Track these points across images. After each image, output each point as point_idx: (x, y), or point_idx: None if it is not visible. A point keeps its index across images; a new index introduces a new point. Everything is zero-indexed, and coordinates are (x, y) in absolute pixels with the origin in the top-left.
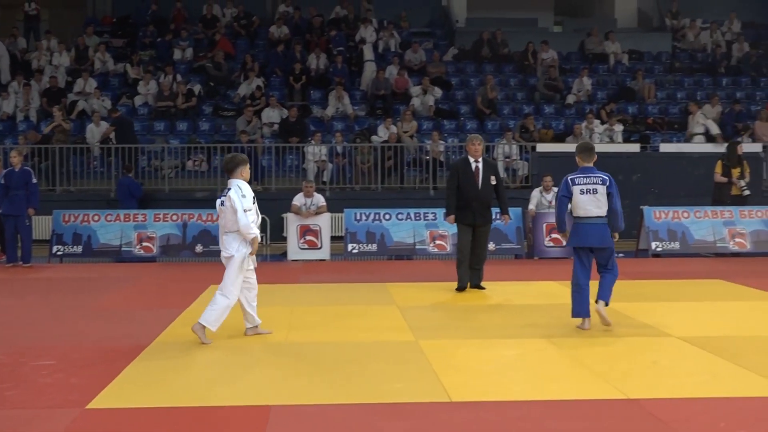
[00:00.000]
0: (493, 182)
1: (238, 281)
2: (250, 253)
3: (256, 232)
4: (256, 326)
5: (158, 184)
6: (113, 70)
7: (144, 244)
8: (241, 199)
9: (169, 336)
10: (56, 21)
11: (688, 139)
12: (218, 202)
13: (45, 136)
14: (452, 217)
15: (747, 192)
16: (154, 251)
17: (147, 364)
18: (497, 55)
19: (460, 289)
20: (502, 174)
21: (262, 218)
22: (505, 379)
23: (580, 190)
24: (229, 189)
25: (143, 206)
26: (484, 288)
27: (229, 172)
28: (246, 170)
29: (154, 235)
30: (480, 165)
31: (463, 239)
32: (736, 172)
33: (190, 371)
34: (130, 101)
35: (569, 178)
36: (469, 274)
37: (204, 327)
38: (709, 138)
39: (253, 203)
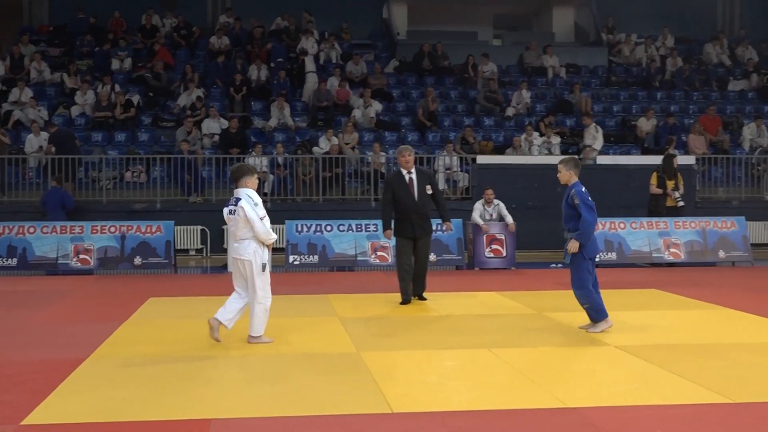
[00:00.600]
0: (429, 192)
1: (267, 284)
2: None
3: (274, 236)
4: (221, 325)
5: (96, 195)
6: (50, 79)
7: (81, 256)
8: (254, 208)
9: (107, 350)
10: None
11: (580, 150)
12: (226, 210)
13: None
14: (389, 232)
15: (682, 203)
16: (92, 264)
17: (84, 378)
18: (438, 68)
19: (405, 302)
20: (442, 185)
21: (202, 229)
22: (446, 390)
23: None
24: (239, 199)
25: (74, 218)
26: (425, 299)
27: (235, 180)
28: (252, 180)
29: (92, 248)
30: (414, 176)
31: (404, 253)
32: (671, 183)
33: (129, 385)
34: (67, 111)
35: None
36: (413, 284)
37: (260, 335)
38: (645, 150)
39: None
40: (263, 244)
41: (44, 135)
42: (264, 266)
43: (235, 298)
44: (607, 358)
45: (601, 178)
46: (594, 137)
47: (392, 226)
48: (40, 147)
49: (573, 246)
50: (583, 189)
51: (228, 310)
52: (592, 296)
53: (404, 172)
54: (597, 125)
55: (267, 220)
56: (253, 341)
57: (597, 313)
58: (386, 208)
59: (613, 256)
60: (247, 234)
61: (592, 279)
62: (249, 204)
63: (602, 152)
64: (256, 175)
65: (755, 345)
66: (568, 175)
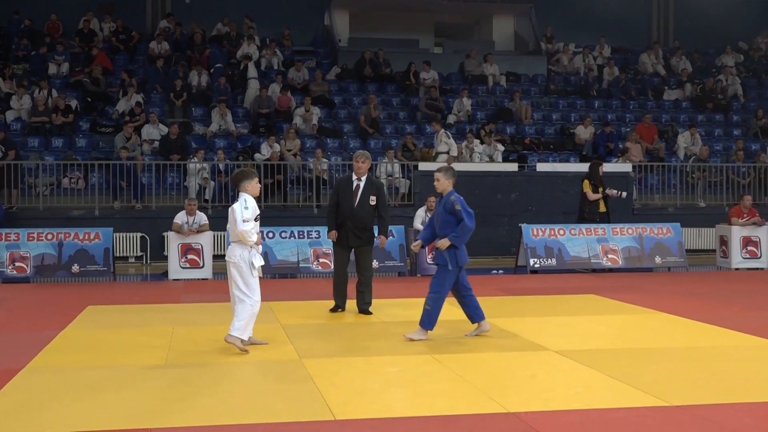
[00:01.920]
0: (373, 202)
1: (252, 283)
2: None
3: (254, 238)
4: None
5: (32, 201)
6: None
7: (17, 264)
8: (243, 210)
9: (44, 359)
10: None
11: (433, 158)
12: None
13: None
14: (333, 233)
15: (624, 193)
16: (28, 271)
17: (19, 389)
18: (379, 75)
19: (334, 309)
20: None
21: (142, 236)
22: (388, 396)
23: None
24: (236, 202)
25: (11, 225)
26: (371, 313)
27: (235, 185)
28: (252, 184)
29: (28, 255)
30: (362, 184)
31: (337, 260)
32: (600, 190)
33: (67, 396)
34: (2, 116)
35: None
36: (356, 297)
37: (238, 337)
38: (583, 157)
39: (256, 220)
40: (249, 247)
41: None
42: (252, 267)
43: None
44: (548, 363)
45: (541, 185)
46: (446, 144)
47: (335, 226)
48: None
49: (443, 243)
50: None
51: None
52: (438, 305)
53: (354, 177)
54: (446, 131)
55: (249, 224)
56: (230, 340)
57: (428, 321)
58: (330, 211)
59: (552, 262)
60: (235, 237)
61: (450, 288)
62: (240, 207)
63: (542, 159)
64: (255, 179)
65: (691, 348)
66: (446, 184)
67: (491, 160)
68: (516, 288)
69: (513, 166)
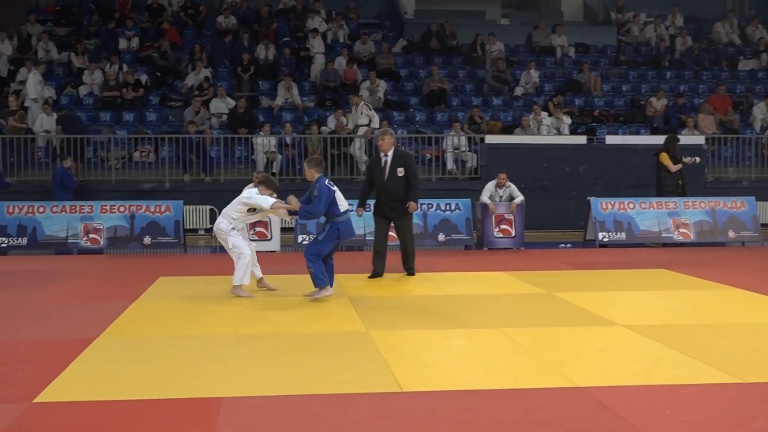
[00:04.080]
0: (401, 174)
1: (237, 242)
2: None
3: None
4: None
5: (105, 175)
6: (57, 59)
7: (91, 235)
8: (251, 196)
9: (117, 329)
10: None
11: (352, 131)
12: None
13: None
14: (360, 209)
15: (698, 159)
16: (102, 243)
17: (95, 357)
18: (446, 47)
19: (372, 276)
20: (451, 165)
21: (211, 209)
22: (454, 369)
23: None
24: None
25: (84, 197)
26: (413, 274)
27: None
28: (264, 191)
29: (101, 227)
30: (389, 158)
31: (376, 230)
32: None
33: (139, 364)
34: (75, 91)
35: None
36: (402, 261)
37: (239, 286)
38: (654, 130)
39: (249, 210)
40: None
41: (56, 115)
42: (229, 231)
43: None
44: (617, 338)
45: (610, 158)
46: (367, 116)
47: (365, 204)
48: (47, 131)
49: (294, 201)
50: (333, 188)
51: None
52: (319, 264)
53: (382, 154)
54: (366, 103)
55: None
56: (235, 292)
57: (318, 281)
58: (363, 188)
59: (622, 236)
60: (224, 212)
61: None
62: (249, 192)
63: (611, 132)
64: (271, 191)
65: (764, 325)
66: (310, 174)
67: (559, 132)
68: (584, 262)
69: (581, 139)
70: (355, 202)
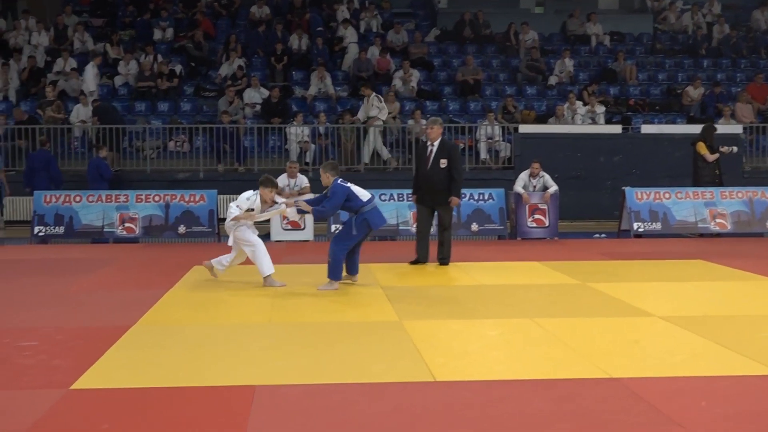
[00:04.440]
0: (444, 165)
1: (246, 236)
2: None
3: (232, 214)
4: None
5: (140, 164)
6: (93, 49)
7: (126, 224)
8: (240, 201)
9: (153, 317)
10: (34, 0)
11: (363, 122)
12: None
13: (31, 116)
14: (414, 196)
15: (735, 148)
16: (137, 232)
17: (131, 345)
18: (479, 36)
19: (414, 263)
20: (484, 155)
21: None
22: (488, 358)
23: None
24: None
25: (119, 187)
26: (446, 264)
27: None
28: (265, 191)
29: (137, 216)
30: (434, 148)
31: (418, 219)
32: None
33: (175, 352)
34: (111, 81)
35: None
36: (437, 250)
37: (269, 275)
38: (691, 119)
39: (248, 210)
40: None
41: (92, 106)
42: (230, 229)
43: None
44: (652, 329)
45: (646, 148)
46: (378, 108)
47: (418, 190)
48: (83, 121)
49: (303, 206)
50: (347, 184)
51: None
52: (342, 257)
53: (428, 143)
54: (377, 95)
55: (237, 211)
56: (268, 283)
57: (334, 273)
58: (414, 175)
59: (657, 226)
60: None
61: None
62: (241, 198)
63: (647, 121)
64: (270, 188)
65: None
66: (326, 178)
67: (593, 122)
68: (619, 252)
69: (617, 128)
70: (393, 191)
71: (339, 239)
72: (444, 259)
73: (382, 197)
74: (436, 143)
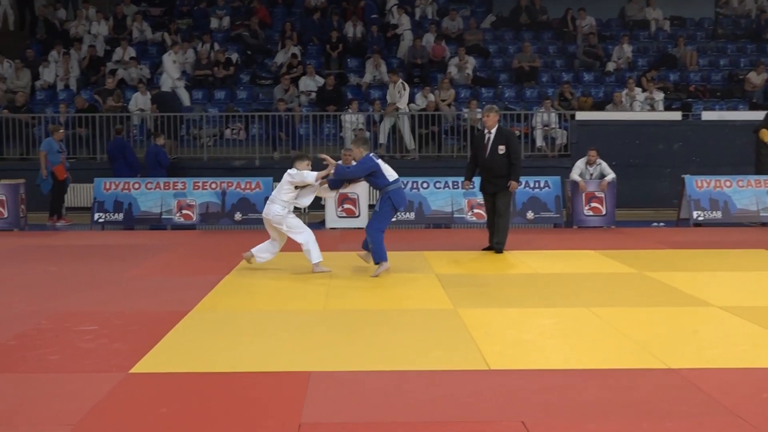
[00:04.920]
0: (502, 151)
1: (294, 223)
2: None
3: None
4: (252, 256)
5: (197, 152)
6: (151, 38)
7: (184, 211)
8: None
9: (210, 302)
10: None
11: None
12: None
13: (91, 105)
14: (467, 182)
15: None
16: (194, 219)
17: (188, 329)
18: (535, 22)
19: (487, 249)
20: (540, 142)
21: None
22: (543, 348)
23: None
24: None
25: (177, 174)
26: (500, 251)
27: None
28: (302, 164)
29: (194, 203)
30: (492, 135)
31: (486, 206)
32: None
33: (231, 337)
34: None
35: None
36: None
37: (318, 263)
38: (753, 105)
39: (297, 188)
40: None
41: (150, 94)
42: (286, 215)
43: (267, 243)
44: (712, 319)
45: (706, 135)
46: (400, 95)
47: (471, 178)
48: (141, 109)
49: (331, 161)
50: (377, 159)
51: (260, 248)
52: (381, 239)
53: (485, 130)
54: (403, 82)
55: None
56: (318, 269)
57: (378, 256)
58: (468, 163)
59: (718, 214)
60: (273, 197)
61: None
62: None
63: (708, 107)
64: (306, 161)
65: None
66: (358, 152)
67: (652, 108)
68: (678, 241)
69: (676, 115)
70: (448, 179)
71: (372, 223)
72: (499, 245)
73: (437, 185)
74: (494, 130)
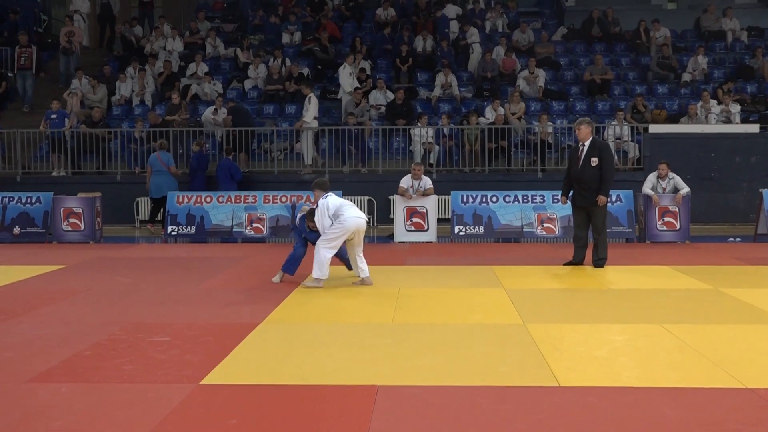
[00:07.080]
0: (594, 164)
1: (332, 233)
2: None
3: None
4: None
5: (268, 166)
6: (224, 54)
7: (254, 225)
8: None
9: (279, 315)
10: (169, 7)
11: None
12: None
13: (164, 120)
14: (563, 198)
15: None
16: (264, 232)
17: (258, 341)
18: (608, 34)
19: (568, 264)
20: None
21: (369, 199)
22: (614, 365)
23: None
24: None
25: (248, 188)
26: (600, 266)
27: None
28: (317, 193)
29: (264, 216)
30: (585, 147)
31: (574, 219)
32: None
33: (299, 350)
34: (241, 85)
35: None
36: (592, 251)
37: (315, 278)
38: None
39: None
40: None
41: (224, 111)
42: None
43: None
44: None
45: None
46: (306, 108)
47: (568, 193)
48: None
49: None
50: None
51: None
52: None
53: (579, 143)
54: (313, 95)
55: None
56: (307, 282)
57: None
58: (565, 177)
59: None
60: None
61: None
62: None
63: None
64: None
65: None
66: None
67: (729, 121)
68: (755, 257)
69: (754, 128)
70: (517, 193)
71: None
72: (599, 260)
73: (506, 199)
74: (587, 143)
